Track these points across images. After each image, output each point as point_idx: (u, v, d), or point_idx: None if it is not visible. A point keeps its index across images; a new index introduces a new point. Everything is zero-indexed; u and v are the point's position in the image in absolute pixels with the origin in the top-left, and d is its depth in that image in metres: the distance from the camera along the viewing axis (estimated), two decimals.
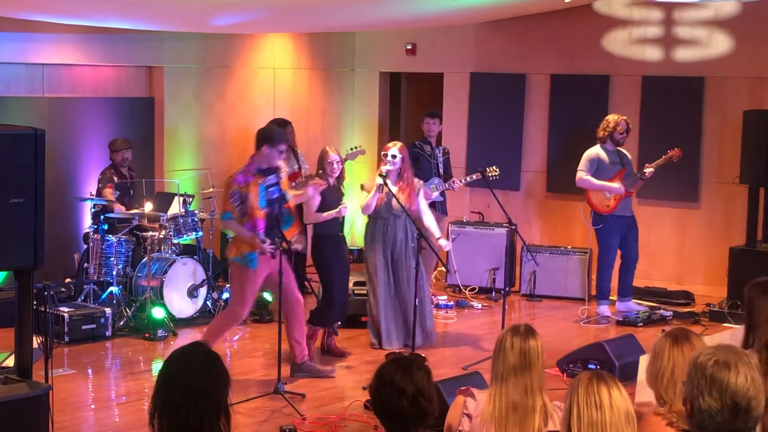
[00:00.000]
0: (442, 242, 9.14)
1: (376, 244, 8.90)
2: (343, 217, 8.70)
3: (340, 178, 8.73)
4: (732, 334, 7.87)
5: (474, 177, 10.25)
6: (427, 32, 12.84)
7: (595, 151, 10.24)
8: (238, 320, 8.10)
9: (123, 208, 9.98)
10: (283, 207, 7.99)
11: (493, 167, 10.26)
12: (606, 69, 11.83)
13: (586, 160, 10.22)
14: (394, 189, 8.73)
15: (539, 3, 10.81)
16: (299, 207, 8.79)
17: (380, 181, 8.69)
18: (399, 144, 9.01)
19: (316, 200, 8.40)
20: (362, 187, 9.01)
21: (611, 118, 10.29)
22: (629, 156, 10.42)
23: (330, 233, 8.60)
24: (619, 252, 10.37)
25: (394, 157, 8.83)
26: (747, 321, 4.77)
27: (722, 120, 11.24)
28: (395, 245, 8.90)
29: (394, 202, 8.75)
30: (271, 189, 7.84)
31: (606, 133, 10.20)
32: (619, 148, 10.28)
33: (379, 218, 8.92)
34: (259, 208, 7.77)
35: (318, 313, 8.63)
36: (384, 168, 8.78)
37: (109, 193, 9.99)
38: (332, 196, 8.58)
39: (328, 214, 8.47)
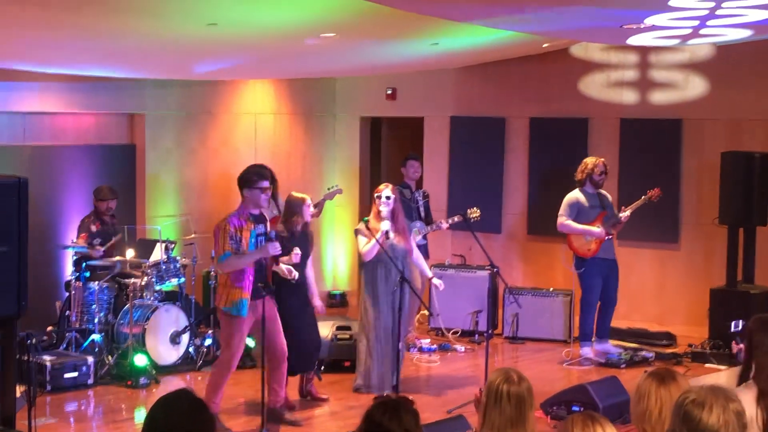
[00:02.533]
0: (436, 281, 9.12)
1: (378, 287, 8.82)
2: (305, 263, 8.45)
3: (306, 222, 8.60)
4: (728, 374, 7.91)
5: (455, 219, 10.32)
6: (406, 77, 12.95)
7: (575, 195, 10.32)
8: (231, 369, 7.94)
9: (101, 250, 9.94)
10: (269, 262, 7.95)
11: (474, 209, 10.33)
12: (584, 112, 11.95)
13: (566, 205, 10.29)
14: (392, 233, 8.74)
15: (517, 48, 10.92)
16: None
17: (386, 227, 8.69)
18: (390, 186, 9.01)
19: (273, 248, 8.19)
20: (357, 232, 8.93)
21: (589, 160, 10.38)
22: (610, 198, 10.50)
23: (297, 281, 8.27)
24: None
25: (388, 198, 8.83)
26: (746, 353, 4.81)
27: (700, 161, 11.36)
28: (395, 289, 8.85)
29: (393, 245, 8.73)
30: (260, 237, 7.82)
31: (584, 176, 10.28)
32: (600, 190, 10.36)
33: (380, 261, 8.81)
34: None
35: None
36: (384, 211, 8.76)
37: (82, 241, 9.97)
38: (297, 242, 8.35)
39: (284, 268, 8.12)
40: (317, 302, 8.70)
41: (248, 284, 7.67)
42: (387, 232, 8.67)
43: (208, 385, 8.05)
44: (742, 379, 4.74)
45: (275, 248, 7.65)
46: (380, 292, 8.82)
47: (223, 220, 7.76)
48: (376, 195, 8.92)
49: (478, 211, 10.37)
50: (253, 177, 7.83)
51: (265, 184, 7.83)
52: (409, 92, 13.07)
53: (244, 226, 7.73)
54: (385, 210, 8.79)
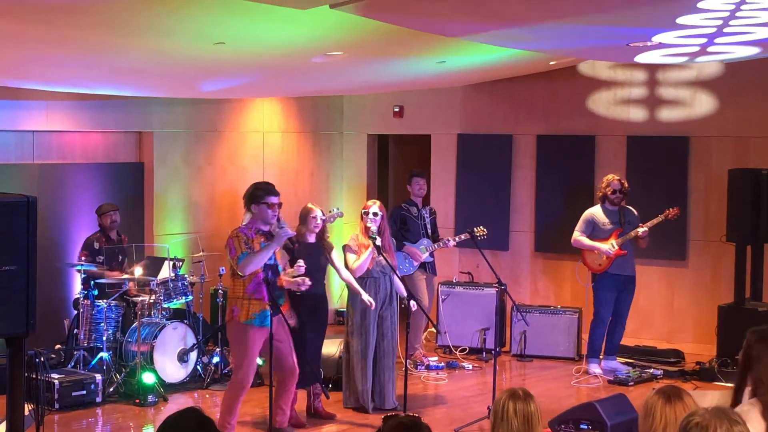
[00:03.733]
0: (413, 303, 9.05)
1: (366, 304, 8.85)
2: (321, 275, 8.56)
3: (322, 233, 8.70)
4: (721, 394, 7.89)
5: (462, 237, 10.34)
6: (414, 95, 12.97)
7: (591, 212, 10.38)
8: (246, 387, 7.90)
9: (107, 272, 9.97)
10: (276, 280, 7.97)
11: (481, 227, 10.35)
12: (591, 129, 11.95)
13: (582, 221, 10.40)
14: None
15: (524, 65, 10.94)
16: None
17: (378, 242, 8.72)
18: (378, 202, 9.03)
19: (281, 259, 8.28)
20: (345, 248, 8.96)
21: (606, 178, 10.45)
22: (635, 212, 10.46)
23: (309, 292, 8.33)
24: None
25: (375, 214, 8.85)
26: (742, 369, 4.74)
27: (707, 179, 11.35)
28: (384, 303, 8.90)
29: (383, 261, 8.77)
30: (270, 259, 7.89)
31: (602, 194, 10.36)
32: (624, 205, 10.38)
33: (369, 278, 8.89)
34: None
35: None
36: (371, 227, 8.79)
37: (84, 259, 10.00)
38: (309, 255, 8.40)
39: (288, 281, 8.18)
40: (365, 297, 8.73)
41: (266, 296, 7.69)
42: (378, 248, 8.67)
43: (222, 406, 8.02)
44: (737, 396, 4.67)
45: (287, 233, 7.75)
46: (368, 308, 8.80)
47: (233, 231, 7.86)
48: (363, 211, 8.93)
49: (485, 230, 10.39)
50: (261, 193, 7.88)
51: (274, 199, 7.88)
52: (416, 110, 13.10)
53: (254, 239, 7.79)
54: (374, 227, 8.80)
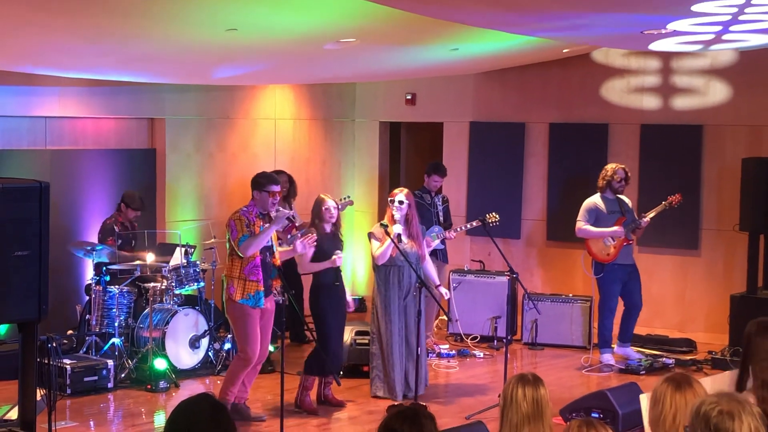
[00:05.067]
0: (443, 290, 9.14)
1: (390, 292, 8.85)
2: (338, 267, 8.69)
3: (337, 224, 8.77)
4: (732, 375, 7.86)
5: (474, 224, 10.32)
6: (426, 82, 12.94)
7: (593, 200, 10.32)
8: (250, 362, 8.15)
9: (129, 254, 10.03)
10: (272, 259, 8.19)
11: (493, 213, 10.31)
12: (604, 118, 11.91)
13: (584, 210, 10.30)
14: (405, 238, 8.78)
15: (537, 53, 10.90)
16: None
17: (399, 230, 8.73)
18: (405, 190, 9.04)
19: (311, 250, 8.45)
20: (371, 236, 8.98)
21: (609, 167, 10.39)
22: (630, 203, 10.47)
23: (328, 282, 8.58)
24: (621, 299, 10.40)
25: (401, 203, 8.86)
26: (743, 359, 4.74)
27: (721, 167, 11.30)
28: (408, 292, 8.89)
29: (406, 249, 8.76)
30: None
31: (604, 182, 10.29)
32: (619, 195, 10.35)
33: (393, 266, 8.87)
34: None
35: (312, 363, 8.60)
36: (396, 215, 8.81)
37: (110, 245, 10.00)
38: (329, 244, 8.58)
39: (321, 264, 8.49)
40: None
41: (262, 279, 8.05)
42: (399, 236, 8.71)
43: (226, 375, 8.34)
44: (740, 385, 4.67)
45: (285, 213, 8.06)
46: (392, 296, 8.84)
47: (235, 213, 8.15)
48: (389, 199, 8.97)
49: (497, 216, 10.35)
50: (264, 181, 8.21)
51: (275, 188, 8.18)
52: (428, 97, 13.07)
53: (254, 222, 8.08)
54: (398, 215, 8.82)
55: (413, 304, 8.80)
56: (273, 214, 8.13)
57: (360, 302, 13.20)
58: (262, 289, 8.05)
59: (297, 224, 10.28)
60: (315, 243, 8.36)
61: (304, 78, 12.42)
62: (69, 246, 9.94)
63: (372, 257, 8.95)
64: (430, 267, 9.17)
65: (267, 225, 8.07)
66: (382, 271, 8.90)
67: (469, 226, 10.58)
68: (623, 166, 10.41)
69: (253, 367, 8.26)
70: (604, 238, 10.21)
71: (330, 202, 8.67)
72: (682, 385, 3.94)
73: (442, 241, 10.67)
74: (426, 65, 11.27)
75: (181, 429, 3.23)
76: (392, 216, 8.87)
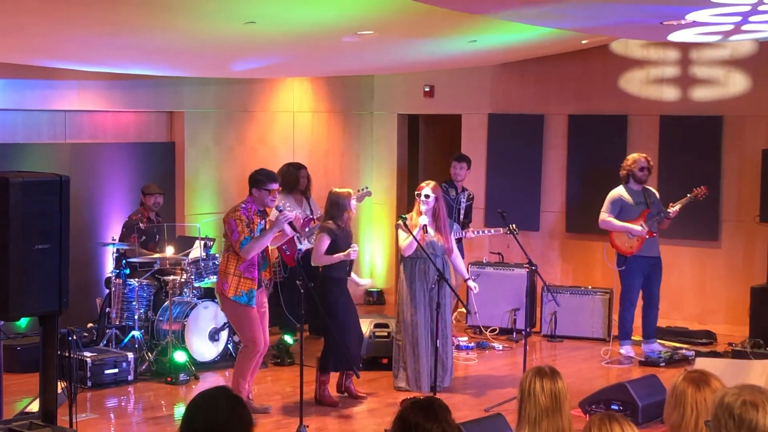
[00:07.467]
0: (471, 284, 9.13)
1: (415, 286, 8.85)
2: (352, 260, 8.64)
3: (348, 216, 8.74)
4: (728, 363, 7.84)
5: (493, 231, 10.31)
6: (444, 74, 12.92)
7: (618, 192, 10.27)
8: (257, 351, 8.18)
9: (146, 250, 10.07)
10: (264, 253, 8.24)
11: (513, 225, 10.03)
12: (624, 109, 11.87)
13: (609, 202, 10.25)
14: (431, 230, 8.77)
15: (556, 44, 10.87)
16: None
17: (424, 221, 8.73)
18: (432, 183, 9.01)
19: (325, 242, 8.43)
20: (398, 227, 8.95)
21: (630, 156, 10.34)
22: (657, 194, 10.40)
23: (340, 275, 8.57)
24: (641, 292, 10.36)
25: (427, 196, 8.85)
26: None
27: (741, 158, 11.25)
28: (432, 286, 8.87)
29: (433, 242, 8.76)
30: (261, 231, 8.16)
31: (626, 172, 10.23)
32: (646, 186, 10.29)
33: (419, 258, 8.87)
34: None
35: (326, 360, 8.59)
36: (422, 208, 8.81)
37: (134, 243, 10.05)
38: (342, 238, 8.55)
39: (336, 257, 8.46)
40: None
41: (257, 276, 8.07)
42: (424, 227, 8.71)
43: (234, 371, 8.34)
44: None
45: (286, 217, 7.98)
46: (417, 288, 8.84)
47: (234, 211, 8.10)
48: (416, 193, 8.96)
49: (516, 228, 10.16)
50: (263, 179, 8.14)
51: (274, 186, 8.14)
52: (446, 89, 13.05)
53: (253, 220, 8.08)
54: (424, 208, 8.83)
55: (438, 296, 8.80)
56: (273, 213, 8.11)
57: (378, 295, 13.22)
58: (255, 288, 8.06)
59: (316, 216, 10.30)
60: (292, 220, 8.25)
61: (323, 70, 12.42)
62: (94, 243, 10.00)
63: (400, 249, 8.96)
64: (458, 260, 9.17)
65: (267, 228, 8.07)
66: (408, 263, 8.91)
67: (487, 231, 10.54)
68: (645, 155, 10.36)
69: (255, 361, 8.26)
70: (626, 232, 10.17)
71: (353, 208, 8.66)
72: (701, 384, 3.92)
73: (459, 240, 10.65)
74: (444, 57, 11.25)
75: (197, 422, 3.23)
76: (419, 209, 8.88)
